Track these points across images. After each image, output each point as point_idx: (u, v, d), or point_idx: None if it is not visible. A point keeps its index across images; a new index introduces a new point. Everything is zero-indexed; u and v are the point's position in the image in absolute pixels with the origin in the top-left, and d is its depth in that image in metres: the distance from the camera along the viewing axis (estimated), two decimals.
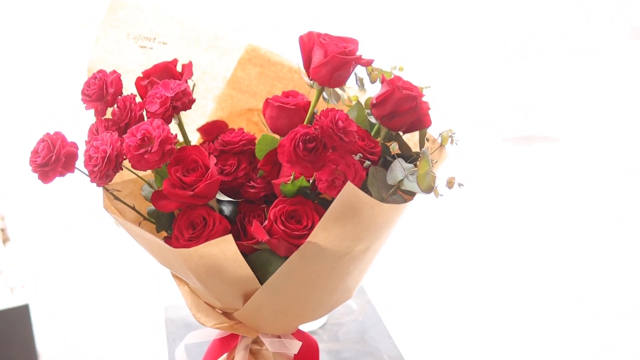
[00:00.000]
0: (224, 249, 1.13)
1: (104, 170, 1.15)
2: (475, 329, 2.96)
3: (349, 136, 1.14)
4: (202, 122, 1.40)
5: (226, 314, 1.28)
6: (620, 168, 4.50)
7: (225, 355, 1.37)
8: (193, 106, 1.39)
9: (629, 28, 5.05)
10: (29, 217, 3.41)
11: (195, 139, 1.41)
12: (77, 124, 1.37)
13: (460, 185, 1.14)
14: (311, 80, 1.21)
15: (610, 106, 4.99)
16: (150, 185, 1.26)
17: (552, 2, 4.74)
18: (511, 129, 4.76)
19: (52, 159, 1.16)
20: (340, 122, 1.14)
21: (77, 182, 1.25)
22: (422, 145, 1.27)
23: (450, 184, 1.14)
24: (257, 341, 1.33)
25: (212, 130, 1.36)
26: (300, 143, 1.12)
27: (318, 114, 1.23)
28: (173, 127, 1.33)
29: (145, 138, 1.15)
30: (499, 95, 4.79)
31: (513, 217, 3.93)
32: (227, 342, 1.36)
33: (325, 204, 1.21)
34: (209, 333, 1.37)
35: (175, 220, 1.21)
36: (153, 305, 2.88)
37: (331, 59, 1.17)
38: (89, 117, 1.28)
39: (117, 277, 3.16)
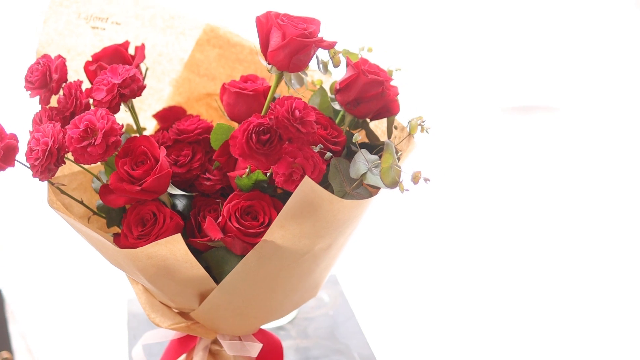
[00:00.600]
0: (173, 249, 1.05)
1: (45, 164, 1.07)
2: (454, 328, 2.86)
3: (306, 127, 1.05)
4: (159, 107, 1.32)
5: (183, 314, 1.20)
6: (621, 139, 4.40)
7: (184, 356, 1.30)
8: (150, 90, 1.31)
9: None
10: None
11: (151, 125, 1.32)
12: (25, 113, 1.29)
13: (426, 180, 1.05)
14: (269, 64, 1.12)
15: (611, 75, 4.89)
16: (98, 179, 1.17)
17: None
18: (511, 99, 4.66)
19: None
20: (297, 112, 1.05)
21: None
22: (390, 134, 1.19)
23: (415, 179, 1.05)
24: (216, 341, 1.26)
25: (169, 116, 1.28)
26: (254, 135, 1.04)
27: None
28: (125, 115, 1.24)
29: (89, 129, 1.06)
30: (498, 65, 4.70)
31: (510, 192, 3.84)
32: (185, 342, 1.28)
33: (286, 197, 1.13)
34: (166, 334, 1.29)
35: (124, 217, 1.13)
36: (117, 297, 2.81)
37: (289, 42, 1.08)
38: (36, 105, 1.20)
39: (84, 264, 3.09)
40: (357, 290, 1.81)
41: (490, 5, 4.67)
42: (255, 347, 1.21)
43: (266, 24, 1.12)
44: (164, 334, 1.29)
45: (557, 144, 4.33)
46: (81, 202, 1.18)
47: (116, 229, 1.21)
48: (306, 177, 0.99)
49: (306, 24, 1.11)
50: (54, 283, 2.98)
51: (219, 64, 1.31)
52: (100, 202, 1.19)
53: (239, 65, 1.31)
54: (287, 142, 1.05)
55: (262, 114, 1.16)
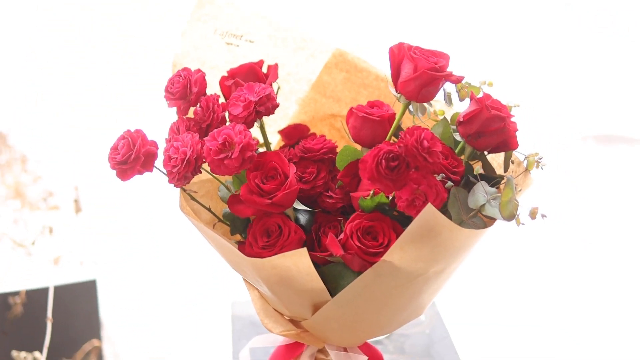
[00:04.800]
0: (297, 262, 1.12)
1: (182, 172, 1.14)
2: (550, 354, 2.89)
3: (433, 157, 1.11)
4: (283, 124, 1.39)
5: (294, 322, 1.27)
6: None
7: None
8: None
9: None
10: (102, 190, 3.44)
11: (275, 140, 1.39)
12: (161, 120, 1.36)
13: (543, 216, 1.10)
14: (398, 93, 1.18)
15: None
16: (228, 188, 1.24)
17: None
18: (593, 127, 4.64)
19: (132, 157, 1.15)
20: (425, 142, 1.11)
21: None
22: (506, 167, 1.24)
23: (533, 214, 1.10)
24: (322, 351, 1.32)
25: (294, 134, 1.34)
26: (383, 161, 1.10)
27: (402, 127, 1.20)
28: (254, 130, 1.31)
29: (227, 143, 1.13)
30: (581, 90, 4.69)
31: (588, 219, 3.85)
32: (292, 349, 1.34)
33: (403, 220, 1.19)
34: (275, 339, 1.36)
35: (251, 225, 1.20)
36: (220, 298, 2.88)
37: (420, 75, 1.14)
38: (173, 113, 1.27)
39: (189, 265, 3.17)
40: (452, 313, 1.85)
41: (578, 33, 4.67)
42: (360, 359, 1.27)
43: (398, 55, 1.18)
44: (272, 340, 1.36)
45: (635, 177, 4.32)
46: (209, 209, 1.25)
47: (238, 237, 1.28)
48: (429, 204, 1.05)
49: (436, 57, 1.17)
50: (159, 284, 3.07)
51: (345, 87, 1.38)
52: (227, 210, 1.26)
53: (363, 90, 1.37)
54: (413, 170, 1.11)
55: (386, 139, 1.22)
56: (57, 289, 2.16)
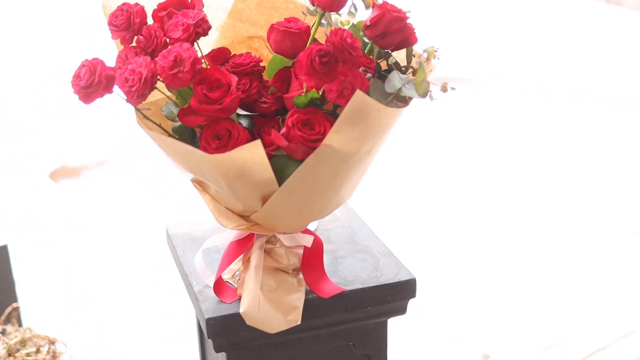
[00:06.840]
0: (253, 153, 1.30)
1: (140, 90, 1.31)
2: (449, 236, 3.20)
3: (356, 51, 1.32)
4: (207, 50, 1.56)
5: (244, 217, 1.45)
6: (534, 110, 4.73)
7: (241, 255, 1.54)
8: None
9: None
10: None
11: None
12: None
13: (452, 89, 1.33)
14: (314, 5, 1.39)
15: (524, 47, 5.20)
16: (177, 104, 1.41)
17: None
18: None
19: (95, 81, 1.31)
20: (348, 39, 1.31)
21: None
22: (409, 60, 1.46)
23: (444, 88, 1.33)
24: (270, 241, 1.51)
25: (218, 56, 1.52)
26: (317, 57, 1.30)
27: (316, 38, 1.41)
28: None
29: (177, 59, 1.30)
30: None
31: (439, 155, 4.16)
32: (242, 244, 1.52)
33: (330, 114, 1.39)
34: (225, 237, 1.54)
35: (201, 133, 1.37)
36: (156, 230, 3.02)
37: None
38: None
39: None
40: (363, 210, 2.06)
41: None
42: (308, 238, 1.47)
43: None
44: (223, 238, 1.54)
45: (469, 115, 4.66)
46: (159, 126, 1.42)
47: None
48: (358, 90, 1.26)
49: None
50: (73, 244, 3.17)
51: (258, 12, 1.57)
52: (174, 125, 1.43)
53: (274, 12, 1.56)
54: (340, 64, 1.32)
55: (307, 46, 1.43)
56: None
